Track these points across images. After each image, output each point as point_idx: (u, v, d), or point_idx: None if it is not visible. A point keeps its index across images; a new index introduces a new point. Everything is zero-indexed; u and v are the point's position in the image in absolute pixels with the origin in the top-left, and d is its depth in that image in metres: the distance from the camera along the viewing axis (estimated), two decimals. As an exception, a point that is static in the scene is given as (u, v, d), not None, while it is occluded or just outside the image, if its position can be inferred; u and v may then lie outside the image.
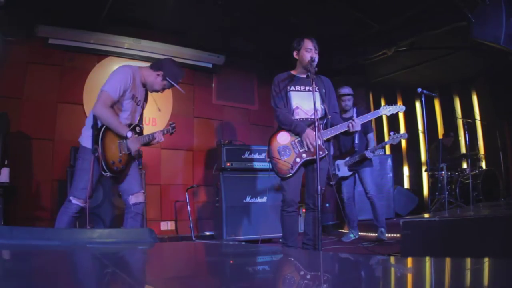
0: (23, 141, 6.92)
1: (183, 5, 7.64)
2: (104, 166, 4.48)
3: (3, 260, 1.87)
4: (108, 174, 4.53)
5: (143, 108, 5.17)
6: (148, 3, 7.40)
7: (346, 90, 7.39)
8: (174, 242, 7.23)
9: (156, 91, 5.12)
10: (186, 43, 8.96)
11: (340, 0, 7.60)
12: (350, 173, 7.32)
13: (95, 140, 4.47)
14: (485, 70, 10.59)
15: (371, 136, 7.45)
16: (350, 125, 4.94)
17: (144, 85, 5.03)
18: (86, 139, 4.57)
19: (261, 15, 8.13)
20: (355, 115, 7.02)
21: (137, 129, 4.93)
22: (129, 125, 4.83)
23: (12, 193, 5.88)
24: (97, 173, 4.53)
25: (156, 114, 8.60)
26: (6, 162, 5.74)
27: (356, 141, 7.20)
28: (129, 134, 4.69)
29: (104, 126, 4.54)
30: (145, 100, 5.20)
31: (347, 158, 7.27)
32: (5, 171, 5.69)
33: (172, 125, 5.40)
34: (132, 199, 4.82)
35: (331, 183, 6.65)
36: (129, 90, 4.71)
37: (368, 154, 7.08)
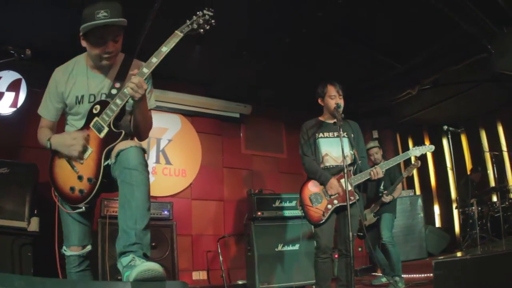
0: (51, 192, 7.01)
1: (208, 57, 7.85)
2: (61, 201, 3.36)
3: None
4: (80, 207, 3.23)
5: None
6: (174, 55, 7.55)
7: (370, 143, 7.47)
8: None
9: (99, 65, 3.39)
10: (213, 94, 9.16)
11: (362, 44, 7.77)
12: (375, 219, 7.20)
13: None
14: (509, 100, 10.54)
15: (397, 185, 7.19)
16: (372, 172, 5.01)
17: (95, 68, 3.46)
18: None
19: (285, 63, 8.30)
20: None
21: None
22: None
23: (42, 243, 5.95)
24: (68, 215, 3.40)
25: (186, 165, 8.75)
26: (35, 212, 5.82)
27: (381, 188, 7.14)
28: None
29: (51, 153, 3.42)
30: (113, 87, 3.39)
31: (372, 206, 7.21)
32: (35, 220, 5.74)
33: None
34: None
35: (360, 234, 6.63)
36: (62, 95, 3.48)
37: (384, 198, 6.96)
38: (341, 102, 5.11)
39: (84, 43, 3.29)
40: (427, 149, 5.55)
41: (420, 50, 8.12)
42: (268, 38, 7.39)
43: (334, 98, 5.14)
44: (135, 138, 3.56)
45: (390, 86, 9.37)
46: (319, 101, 5.33)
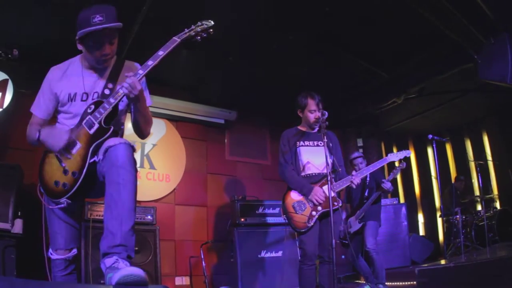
0: (36, 193, 6.90)
1: (194, 62, 7.85)
2: (46, 195, 3.30)
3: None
4: (62, 202, 3.14)
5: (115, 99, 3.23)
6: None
7: (355, 153, 7.53)
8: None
9: (95, 66, 3.43)
10: (198, 99, 9.13)
11: (349, 52, 7.77)
12: (360, 225, 7.17)
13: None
14: (495, 109, 10.60)
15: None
16: (351, 181, 5.13)
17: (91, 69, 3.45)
18: None
19: (271, 70, 8.30)
20: (368, 176, 7.01)
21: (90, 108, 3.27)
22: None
23: (25, 245, 5.88)
24: (53, 212, 3.36)
25: (170, 170, 8.72)
26: (19, 214, 5.76)
27: (366, 194, 7.14)
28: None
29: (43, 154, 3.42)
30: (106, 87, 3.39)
31: (357, 212, 7.18)
32: (19, 222, 5.69)
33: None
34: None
35: (345, 241, 6.63)
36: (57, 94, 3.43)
37: (365, 206, 6.96)
38: (320, 113, 5.10)
39: (80, 47, 3.29)
40: (405, 153, 5.78)
41: (406, 59, 8.15)
42: (254, 44, 7.39)
43: (313, 112, 5.18)
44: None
45: (376, 95, 9.40)
46: (299, 112, 5.37)
